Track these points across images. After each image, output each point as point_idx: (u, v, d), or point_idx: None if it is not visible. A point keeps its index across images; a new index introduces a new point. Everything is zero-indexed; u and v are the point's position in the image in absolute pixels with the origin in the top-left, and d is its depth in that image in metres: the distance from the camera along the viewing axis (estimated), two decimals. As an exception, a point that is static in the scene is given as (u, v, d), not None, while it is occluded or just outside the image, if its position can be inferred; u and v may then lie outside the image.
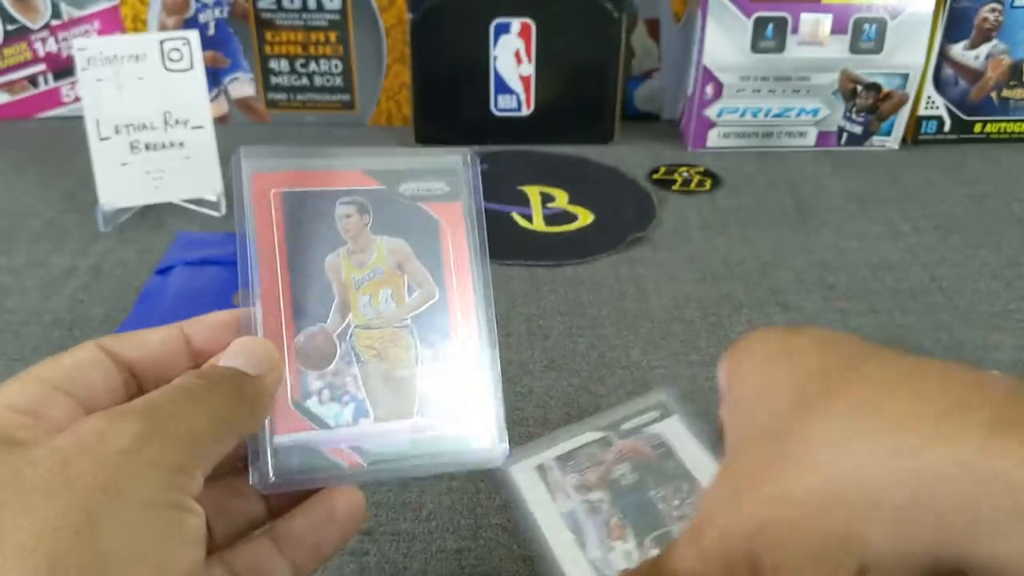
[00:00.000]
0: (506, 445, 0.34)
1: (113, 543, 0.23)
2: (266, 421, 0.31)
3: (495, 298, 0.36)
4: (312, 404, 0.32)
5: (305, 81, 0.93)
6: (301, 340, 0.32)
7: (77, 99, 0.92)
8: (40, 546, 0.22)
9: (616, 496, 0.36)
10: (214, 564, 0.30)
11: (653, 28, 0.94)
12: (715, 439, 0.34)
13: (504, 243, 0.71)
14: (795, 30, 0.85)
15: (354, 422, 0.33)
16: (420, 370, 0.34)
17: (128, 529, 0.24)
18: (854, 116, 0.89)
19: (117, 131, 0.70)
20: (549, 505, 0.35)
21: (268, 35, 0.91)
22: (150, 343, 0.31)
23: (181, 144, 0.72)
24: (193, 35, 0.71)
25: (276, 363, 0.31)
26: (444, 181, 0.35)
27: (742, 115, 0.88)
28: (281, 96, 0.94)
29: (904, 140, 0.91)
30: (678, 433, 0.38)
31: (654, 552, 0.35)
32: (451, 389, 0.34)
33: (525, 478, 0.36)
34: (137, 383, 0.31)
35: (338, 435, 0.32)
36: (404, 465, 0.33)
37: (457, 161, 0.35)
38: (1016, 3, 0.86)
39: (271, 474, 0.31)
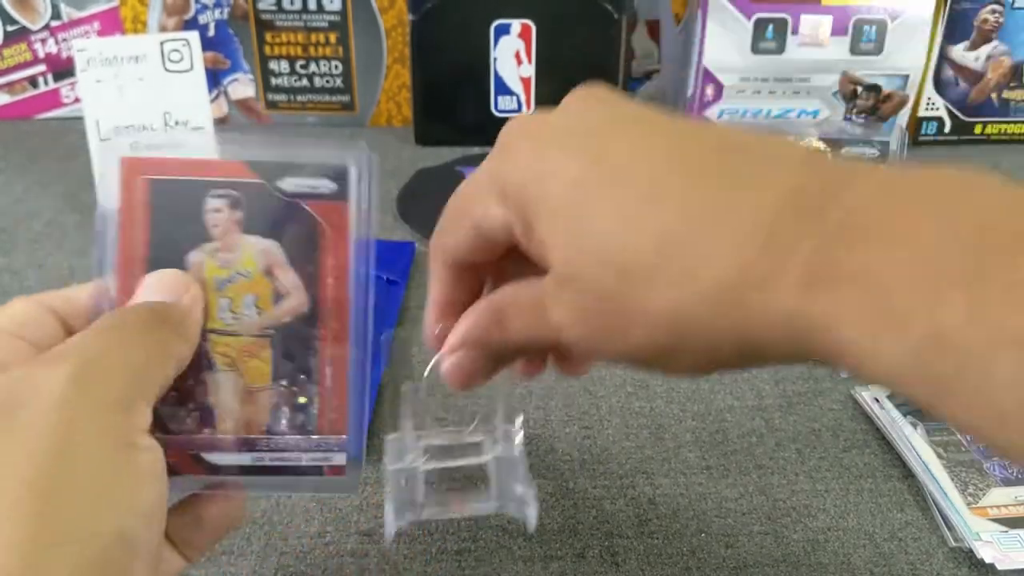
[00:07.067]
0: (360, 472, 0.32)
1: (71, 493, 0.23)
2: None
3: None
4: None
5: (305, 82, 0.93)
6: None
7: (77, 100, 0.92)
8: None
9: None
10: None
11: (653, 29, 0.94)
12: None
13: (504, 244, 0.71)
14: (795, 31, 0.85)
15: (197, 430, 0.31)
16: (276, 386, 0.31)
17: (83, 478, 0.23)
18: (854, 117, 0.89)
19: (117, 132, 0.70)
20: None
21: (268, 36, 0.91)
22: (79, 298, 0.30)
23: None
24: (193, 36, 0.71)
25: (189, 285, 0.30)
26: (333, 179, 0.31)
27: (743, 116, 0.88)
28: (281, 97, 0.94)
29: (904, 141, 0.91)
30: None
31: None
32: (307, 409, 0.31)
33: None
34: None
35: (178, 440, 0.31)
36: (246, 480, 0.31)
37: (351, 158, 0.31)
38: (1017, 4, 0.86)
39: None
